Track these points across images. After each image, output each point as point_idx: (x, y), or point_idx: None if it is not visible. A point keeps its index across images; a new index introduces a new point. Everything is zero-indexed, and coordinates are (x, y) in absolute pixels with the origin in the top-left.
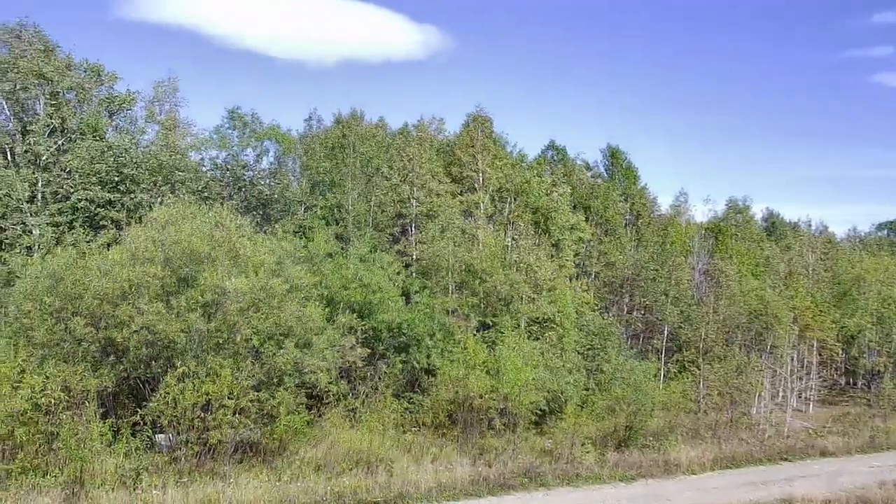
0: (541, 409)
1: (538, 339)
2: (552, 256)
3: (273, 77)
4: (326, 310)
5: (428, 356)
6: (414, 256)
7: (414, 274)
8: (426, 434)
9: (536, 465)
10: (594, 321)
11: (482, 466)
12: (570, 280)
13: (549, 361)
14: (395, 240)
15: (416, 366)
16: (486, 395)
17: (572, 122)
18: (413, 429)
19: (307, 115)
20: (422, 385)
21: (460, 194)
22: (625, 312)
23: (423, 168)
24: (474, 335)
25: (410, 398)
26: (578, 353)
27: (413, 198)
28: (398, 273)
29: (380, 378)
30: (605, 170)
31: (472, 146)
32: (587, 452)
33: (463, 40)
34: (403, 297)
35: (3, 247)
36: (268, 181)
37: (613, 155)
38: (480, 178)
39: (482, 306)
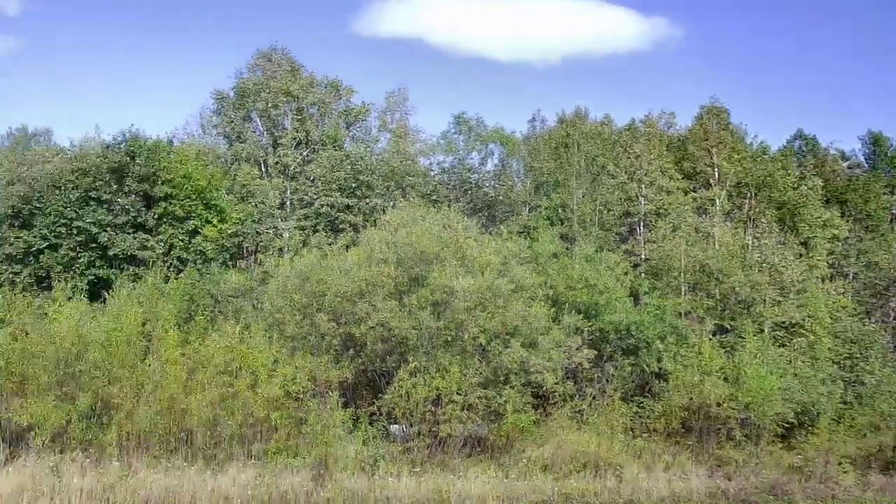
0: (788, 422)
1: (785, 345)
2: (801, 256)
3: (498, 80)
4: (552, 310)
5: (659, 360)
6: (643, 256)
7: (643, 274)
8: (658, 440)
9: (784, 483)
10: (853, 327)
11: (720, 479)
12: (823, 282)
13: (798, 370)
14: (622, 239)
15: (646, 369)
16: (725, 404)
17: (823, 109)
18: (644, 434)
19: (531, 116)
20: (652, 389)
21: (693, 191)
22: (891, 318)
23: (652, 165)
24: (710, 339)
25: (640, 402)
26: (833, 362)
27: (641, 196)
28: (626, 273)
29: (607, 380)
30: (866, 159)
31: (707, 139)
32: (845, 472)
33: (692, 28)
34: (632, 298)
35: (260, 249)
36: (493, 183)
37: (876, 142)
38: (716, 173)
39: (719, 309)
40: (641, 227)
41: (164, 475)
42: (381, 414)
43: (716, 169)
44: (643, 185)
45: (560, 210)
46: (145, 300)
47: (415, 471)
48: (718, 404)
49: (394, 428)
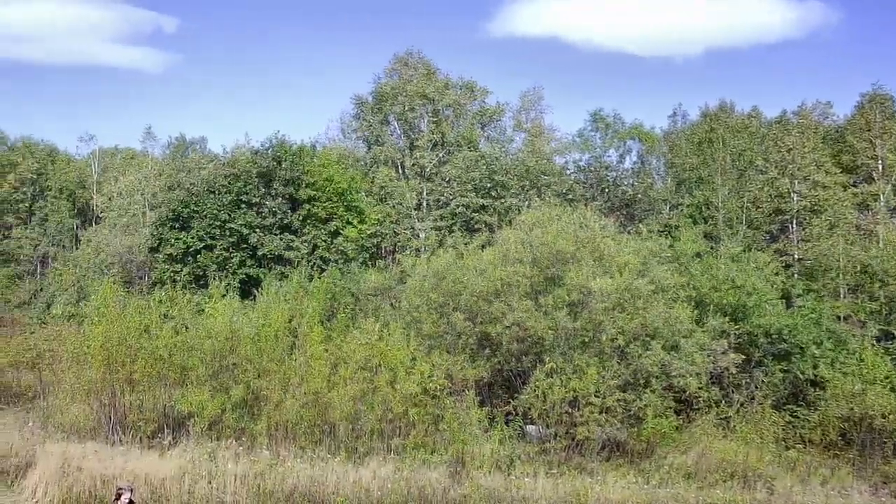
0: None
1: None
2: None
3: (636, 76)
4: (695, 312)
5: (814, 366)
6: (795, 256)
7: (796, 275)
8: (813, 452)
9: None
10: None
11: (886, 497)
12: None
13: None
14: (772, 238)
15: (800, 376)
16: (892, 416)
17: None
18: (797, 445)
19: (671, 112)
20: (807, 398)
21: (853, 185)
22: None
23: (806, 158)
24: (873, 345)
25: (793, 411)
26: None
27: (794, 192)
28: (776, 274)
29: (756, 387)
30: None
31: (869, 130)
32: None
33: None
34: (783, 301)
35: (397, 249)
36: (631, 181)
37: None
38: (879, 166)
39: (883, 313)
40: (794, 225)
41: (310, 465)
42: (516, 414)
43: (879, 161)
44: (796, 181)
45: (703, 208)
46: (291, 298)
47: (552, 472)
48: (884, 416)
49: (530, 428)
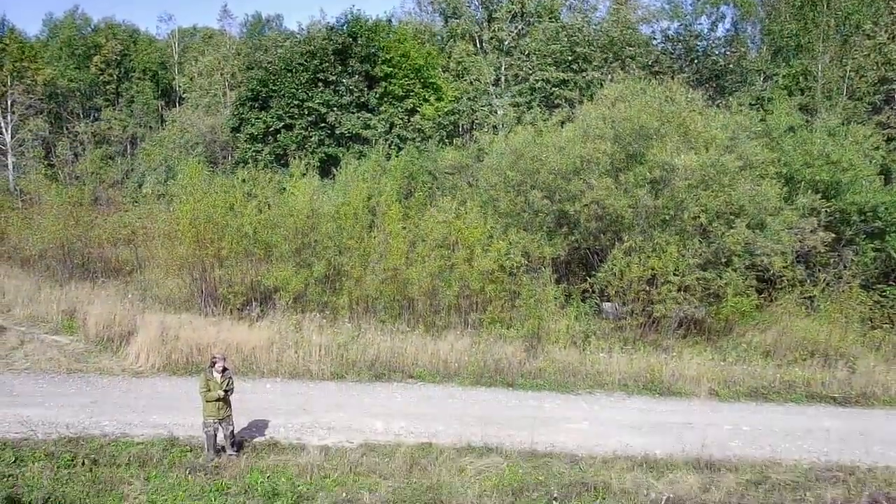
0: None
1: None
2: None
3: None
4: (784, 189)
5: None
6: None
7: None
8: None
9: None
10: None
11: None
12: None
13: None
14: (874, 109)
15: (894, 255)
16: None
17: None
18: (885, 325)
19: None
20: None
21: None
22: None
23: None
24: None
25: (883, 291)
26: None
27: None
28: (876, 148)
29: (845, 266)
30: None
31: None
32: None
33: None
34: (882, 177)
35: (475, 126)
36: (723, 50)
37: None
38: None
39: None
40: None
41: (390, 338)
42: (592, 291)
43: None
44: None
45: (801, 78)
46: (369, 176)
47: (626, 348)
48: None
49: (606, 305)
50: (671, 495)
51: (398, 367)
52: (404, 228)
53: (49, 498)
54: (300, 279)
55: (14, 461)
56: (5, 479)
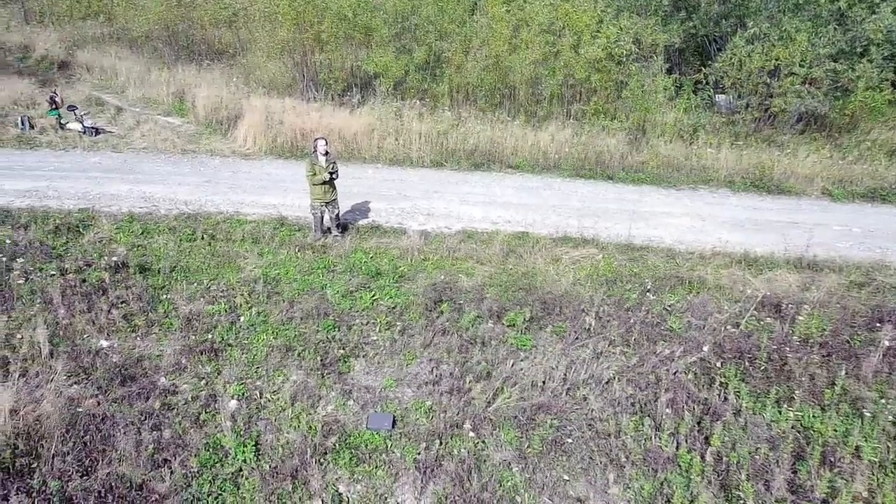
0: None
1: None
2: None
3: None
4: None
5: None
6: None
7: None
8: None
9: None
10: None
11: None
12: None
13: None
14: None
15: None
16: None
17: None
18: None
19: None
20: None
21: None
22: None
23: None
24: None
25: None
26: None
27: None
28: None
29: None
30: None
31: None
32: None
33: None
34: None
35: None
36: None
37: None
38: None
39: None
40: None
41: (489, 127)
42: (707, 83)
43: None
44: None
45: None
46: None
47: (737, 143)
48: None
49: (719, 98)
50: (768, 293)
51: (497, 156)
52: (508, 12)
53: (175, 266)
54: (400, 65)
55: (142, 233)
56: (136, 249)
